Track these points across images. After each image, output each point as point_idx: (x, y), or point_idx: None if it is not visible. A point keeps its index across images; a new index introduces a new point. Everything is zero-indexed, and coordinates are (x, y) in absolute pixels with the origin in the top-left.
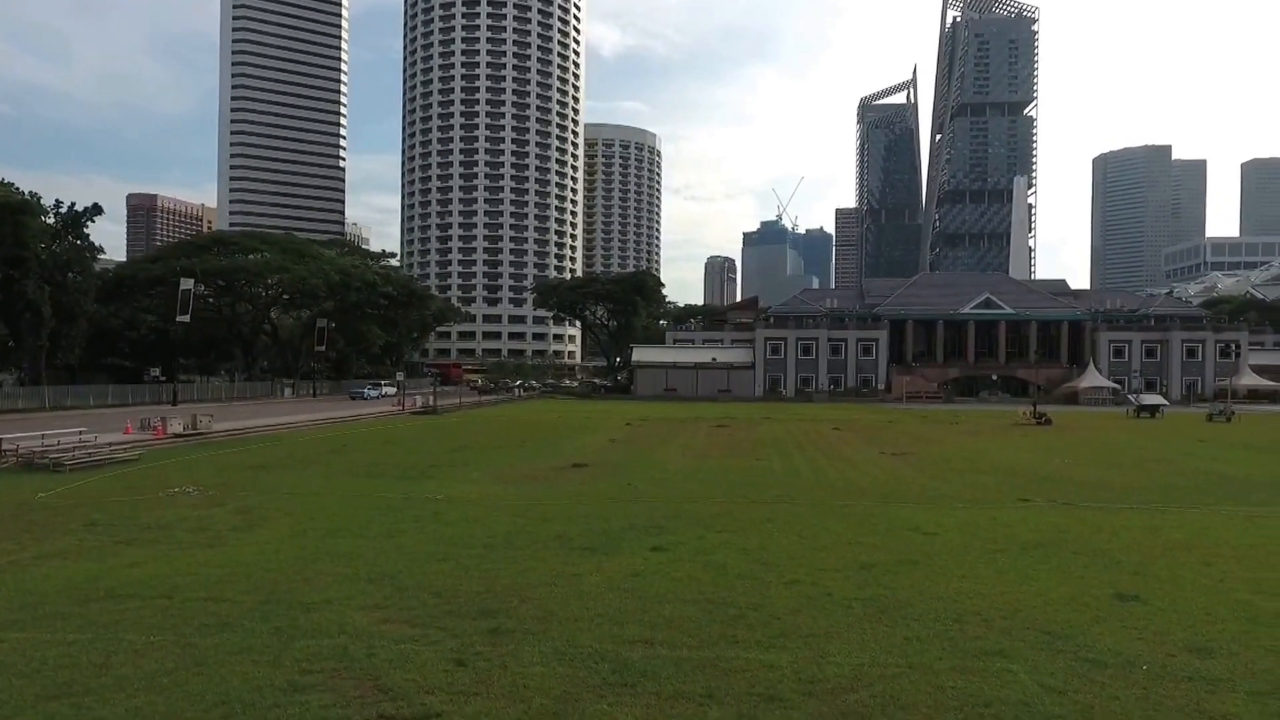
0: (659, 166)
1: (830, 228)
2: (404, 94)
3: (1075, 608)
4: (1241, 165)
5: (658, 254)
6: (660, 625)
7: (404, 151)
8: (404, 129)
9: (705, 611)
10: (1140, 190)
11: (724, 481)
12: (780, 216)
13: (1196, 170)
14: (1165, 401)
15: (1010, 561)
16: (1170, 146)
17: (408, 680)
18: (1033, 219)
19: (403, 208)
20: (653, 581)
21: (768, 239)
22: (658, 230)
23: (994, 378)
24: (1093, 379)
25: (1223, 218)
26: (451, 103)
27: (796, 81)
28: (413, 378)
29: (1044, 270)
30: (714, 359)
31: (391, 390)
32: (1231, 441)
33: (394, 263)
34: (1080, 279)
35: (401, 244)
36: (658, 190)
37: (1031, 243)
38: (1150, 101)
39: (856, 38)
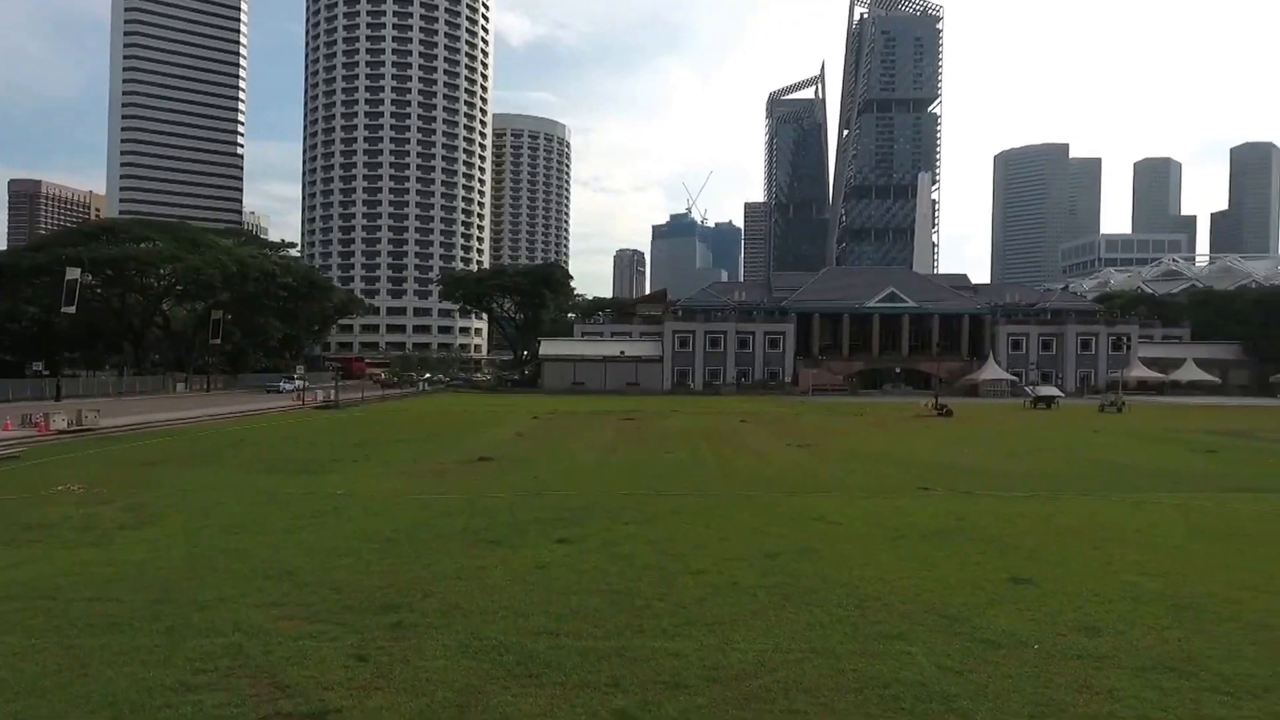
0: (568, 158)
1: (739, 222)
2: (306, 81)
3: (972, 591)
4: (1134, 164)
5: (566, 246)
6: (566, 616)
7: (306, 139)
8: (306, 116)
9: (611, 602)
10: (1039, 187)
11: (631, 474)
12: (690, 210)
13: (1092, 168)
14: (1060, 393)
15: (911, 548)
16: (1068, 145)
17: (306, 677)
18: (936, 214)
19: (304, 197)
20: (558, 574)
21: (677, 232)
22: (566, 222)
23: (897, 370)
24: (992, 371)
25: (1117, 215)
26: (356, 89)
27: (708, 75)
28: (313, 372)
29: (947, 265)
30: (622, 352)
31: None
32: (1122, 430)
33: (294, 253)
34: (982, 273)
35: (302, 234)
36: (567, 182)
37: (935, 238)
38: (1049, 100)
39: (768, 32)
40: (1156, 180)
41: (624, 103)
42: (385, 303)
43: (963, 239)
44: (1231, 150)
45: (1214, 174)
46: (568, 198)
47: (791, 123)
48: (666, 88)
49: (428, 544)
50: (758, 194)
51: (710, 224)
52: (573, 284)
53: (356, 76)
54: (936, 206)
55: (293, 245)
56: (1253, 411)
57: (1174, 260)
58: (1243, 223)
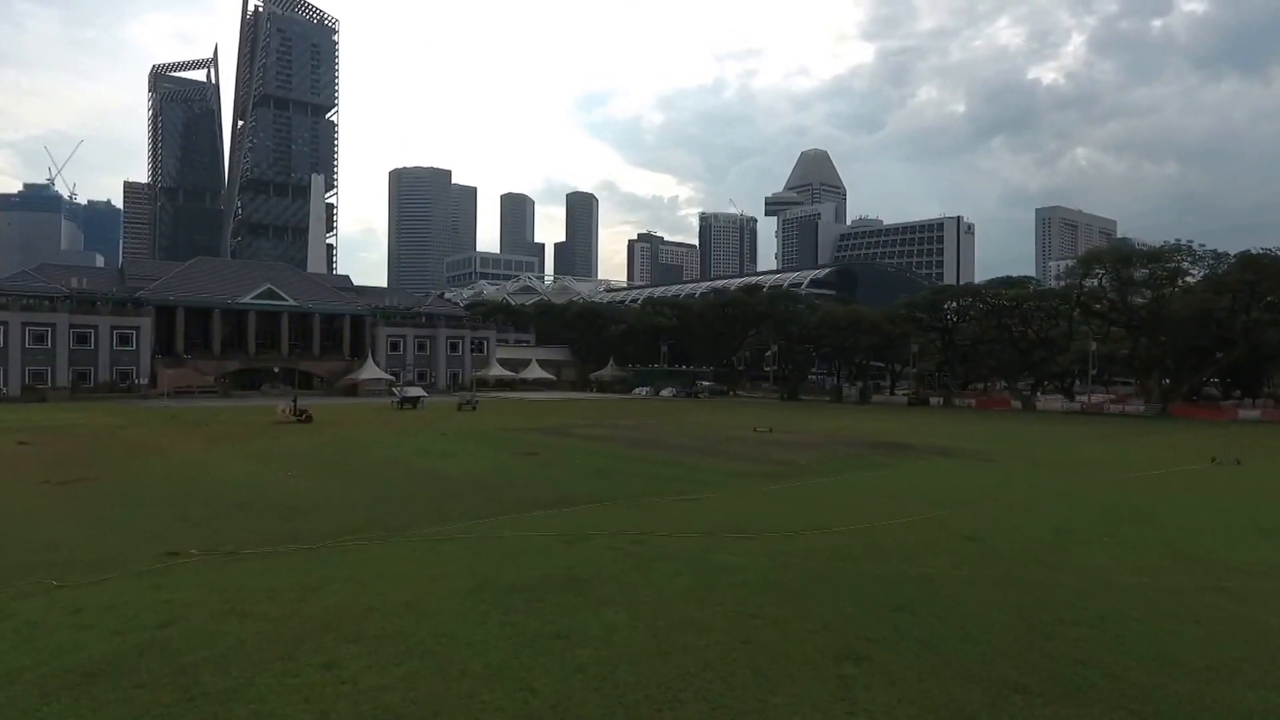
0: None
1: (120, 202)
2: None
3: None
4: (501, 196)
5: None
6: None
7: None
8: None
9: None
10: (428, 205)
11: None
12: (53, 181)
13: (469, 194)
14: (425, 393)
15: None
16: (451, 171)
17: None
18: (334, 218)
19: None
20: None
21: (35, 205)
22: None
23: (275, 370)
24: (371, 371)
25: (489, 236)
26: None
27: (81, 27)
28: None
29: (350, 268)
30: None
31: None
32: (467, 432)
33: None
34: (381, 278)
35: None
36: None
37: (332, 240)
38: (436, 131)
39: (156, 3)
40: (517, 211)
41: None
42: None
43: (364, 244)
44: (567, 195)
45: (555, 212)
46: None
47: (180, 102)
48: (20, 31)
49: None
50: (142, 173)
51: (82, 201)
52: None
53: None
54: (335, 210)
55: None
56: (571, 404)
57: (529, 278)
58: (575, 252)
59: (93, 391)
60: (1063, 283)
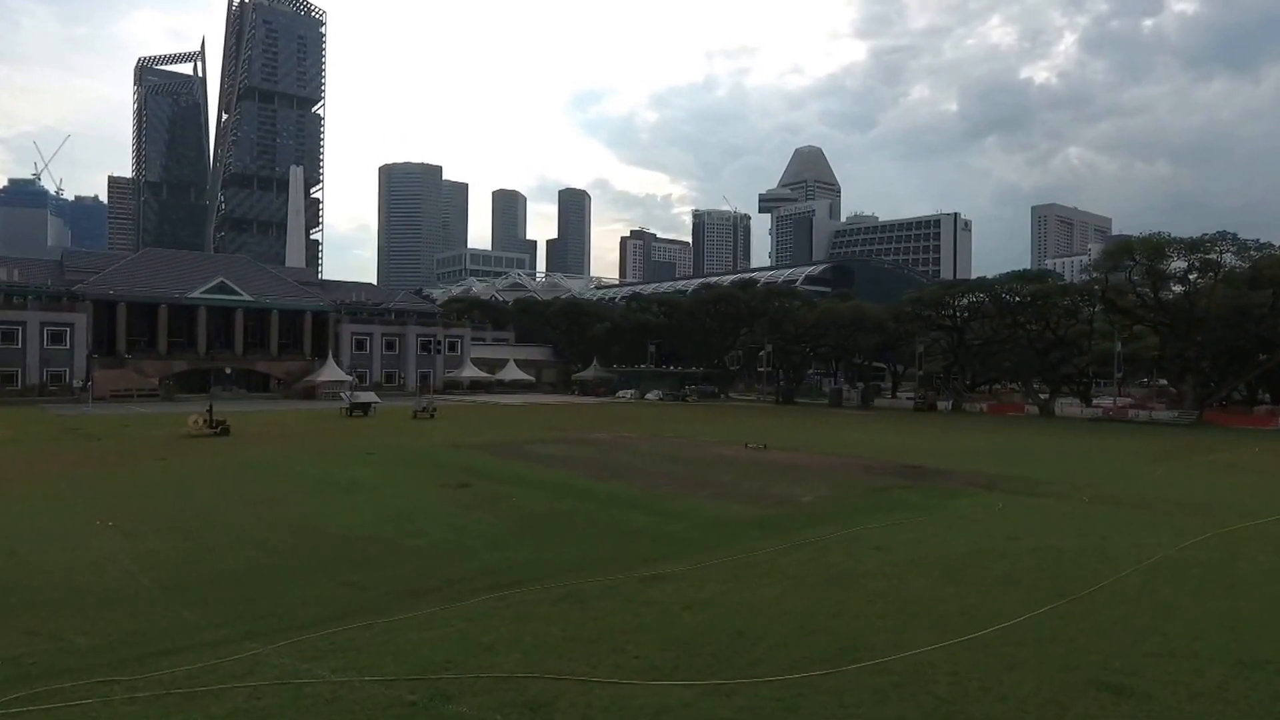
0: None
1: (106, 197)
2: None
3: None
4: (493, 192)
5: None
6: None
7: None
8: None
9: None
10: (418, 201)
11: None
12: (38, 176)
13: (461, 191)
14: (377, 399)
15: None
16: (442, 167)
17: None
18: (320, 213)
19: None
20: None
21: (20, 200)
22: None
23: (227, 371)
24: (331, 372)
25: (480, 233)
26: None
27: (73, 20)
28: None
29: (341, 265)
30: None
31: None
32: (407, 451)
33: None
34: (371, 276)
35: None
36: None
37: (318, 236)
38: (427, 126)
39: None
40: (509, 208)
41: None
42: None
43: (358, 242)
44: (560, 192)
45: (548, 209)
46: None
47: (167, 96)
48: (15, 28)
49: None
50: (127, 168)
51: (69, 196)
52: None
53: None
54: (320, 205)
55: None
56: (544, 410)
57: (519, 274)
58: (568, 249)
59: (20, 395)
60: (1085, 276)
